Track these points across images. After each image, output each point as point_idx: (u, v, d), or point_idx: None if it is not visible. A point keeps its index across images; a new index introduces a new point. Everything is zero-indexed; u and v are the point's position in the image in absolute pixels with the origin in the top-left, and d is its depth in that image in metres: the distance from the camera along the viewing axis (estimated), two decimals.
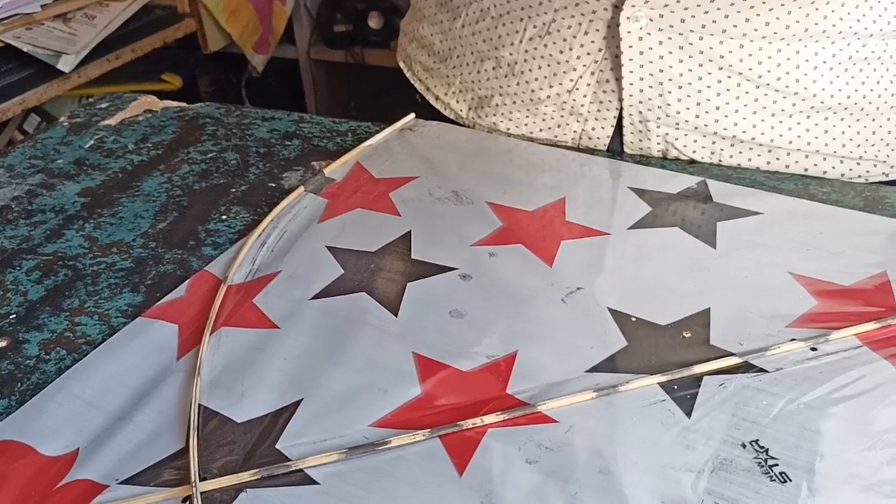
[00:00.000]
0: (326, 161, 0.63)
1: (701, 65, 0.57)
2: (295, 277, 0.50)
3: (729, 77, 0.57)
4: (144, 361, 0.44)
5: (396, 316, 0.47)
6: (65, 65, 1.30)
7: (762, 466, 0.37)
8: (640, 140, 0.61)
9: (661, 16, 0.55)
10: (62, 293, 0.50)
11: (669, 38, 0.56)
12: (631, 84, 0.59)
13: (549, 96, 0.62)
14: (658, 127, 0.60)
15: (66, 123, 0.72)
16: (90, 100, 0.76)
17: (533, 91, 0.63)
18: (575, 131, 0.63)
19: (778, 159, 0.60)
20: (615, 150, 0.63)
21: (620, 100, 0.60)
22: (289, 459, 0.38)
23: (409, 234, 0.54)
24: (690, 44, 0.56)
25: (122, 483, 0.38)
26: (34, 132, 0.71)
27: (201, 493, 0.36)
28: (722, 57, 0.56)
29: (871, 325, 0.44)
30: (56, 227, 0.57)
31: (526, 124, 0.64)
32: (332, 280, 0.50)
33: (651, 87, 0.58)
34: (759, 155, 0.60)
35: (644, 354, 0.43)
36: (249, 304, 0.48)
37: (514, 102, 0.64)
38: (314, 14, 1.95)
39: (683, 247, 0.51)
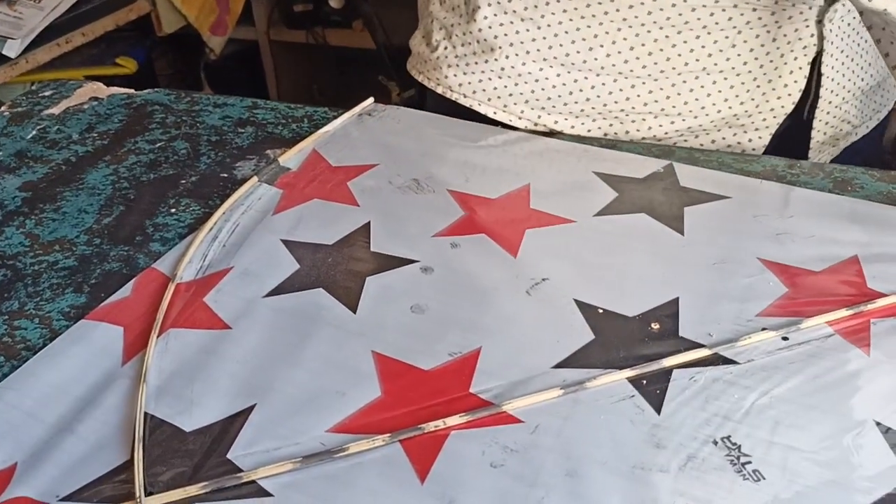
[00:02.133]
0: (281, 149, 0.60)
1: (858, 33, 0.61)
2: (248, 274, 0.48)
3: (869, 34, 0.60)
4: (87, 368, 0.42)
5: (355, 313, 0.45)
6: (10, 50, 1.24)
7: (734, 464, 0.35)
8: (825, 133, 0.63)
9: (844, 4, 0.57)
10: (0, 295, 0.48)
11: (843, 19, 0.59)
12: (828, 78, 0.60)
13: (719, 111, 0.61)
14: (840, 108, 0.62)
15: (7, 113, 0.68)
16: (32, 87, 0.72)
17: (703, 108, 0.61)
18: (729, 145, 0.63)
19: (887, 91, 0.67)
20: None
21: (794, 103, 0.60)
22: (241, 470, 0.36)
23: (368, 225, 0.52)
24: (854, 17, 0.59)
25: (62, 500, 0.35)
26: None
27: None
28: (868, 19, 0.59)
29: (843, 312, 0.43)
30: None
31: (675, 142, 0.62)
32: (288, 276, 0.48)
33: (838, 71, 0.60)
34: (878, 94, 0.66)
35: (612, 348, 0.42)
36: (199, 303, 0.46)
37: (673, 123, 0.62)
38: None
39: (650, 234, 0.50)
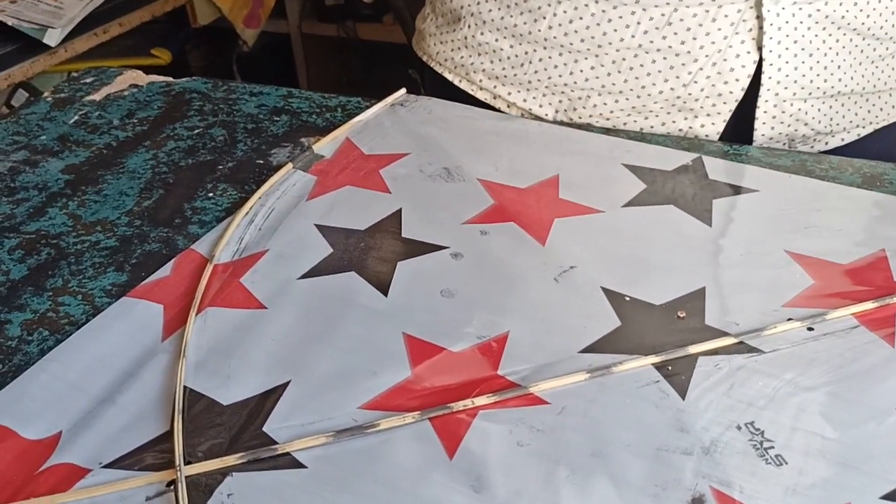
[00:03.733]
0: (316, 137, 0.62)
1: (824, 28, 0.58)
2: (283, 256, 0.49)
3: (844, 34, 0.59)
4: (129, 342, 0.44)
5: (386, 296, 0.46)
6: (51, 39, 1.27)
7: (757, 449, 0.36)
8: (773, 128, 0.60)
9: None
10: (45, 272, 0.49)
11: (800, 9, 0.57)
12: (770, 65, 0.58)
13: (661, 91, 0.60)
14: (791, 104, 0.60)
15: (50, 99, 0.70)
16: (74, 74, 0.74)
17: (643, 87, 0.60)
18: (681, 129, 0.61)
19: (875, 105, 0.64)
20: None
21: (743, 89, 0.59)
22: (276, 442, 0.37)
23: (399, 211, 0.53)
24: (818, 10, 0.57)
25: (104, 467, 0.37)
26: (18, 108, 0.69)
27: (186, 477, 0.36)
28: (842, 17, 0.58)
29: (868, 305, 0.43)
30: (39, 204, 0.56)
31: (625, 123, 0.62)
32: (321, 259, 0.49)
33: (787, 62, 0.58)
34: (861, 107, 0.63)
35: (638, 335, 0.42)
36: (236, 283, 0.47)
37: (617, 101, 0.61)
38: None
39: (678, 225, 0.51)
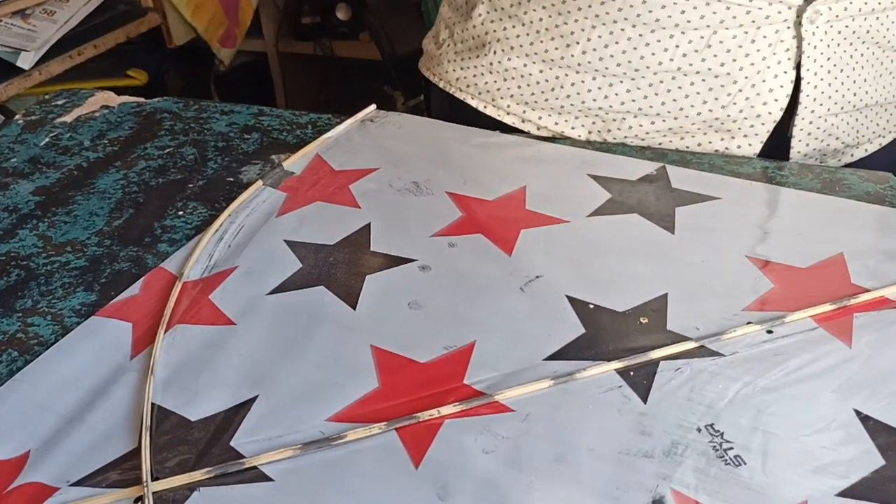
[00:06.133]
0: (286, 154, 0.62)
1: (851, 43, 0.59)
2: (252, 273, 0.50)
3: (868, 48, 0.59)
4: (97, 361, 0.44)
5: (355, 309, 0.46)
6: (24, 62, 1.27)
7: (717, 450, 0.37)
8: (808, 144, 0.61)
9: (830, 8, 0.56)
10: (14, 293, 0.49)
11: (831, 26, 0.57)
12: (808, 83, 0.58)
13: (699, 113, 0.60)
14: (825, 120, 0.60)
15: (21, 121, 0.70)
16: (46, 97, 0.75)
17: (681, 109, 0.60)
18: (717, 150, 0.62)
19: (893, 115, 0.64)
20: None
21: (781, 109, 0.59)
22: (243, 457, 0.38)
23: (368, 226, 0.53)
24: (846, 27, 0.58)
25: (73, 485, 0.37)
26: None
27: (153, 493, 0.36)
28: (867, 32, 0.58)
29: (826, 307, 0.44)
30: (9, 226, 0.56)
31: (660, 143, 0.62)
32: (290, 274, 0.49)
33: (822, 79, 0.58)
34: (881, 116, 0.63)
35: (601, 341, 0.43)
36: (205, 300, 0.47)
37: (653, 123, 0.61)
38: (281, 6, 1.93)
39: (642, 233, 0.51)
